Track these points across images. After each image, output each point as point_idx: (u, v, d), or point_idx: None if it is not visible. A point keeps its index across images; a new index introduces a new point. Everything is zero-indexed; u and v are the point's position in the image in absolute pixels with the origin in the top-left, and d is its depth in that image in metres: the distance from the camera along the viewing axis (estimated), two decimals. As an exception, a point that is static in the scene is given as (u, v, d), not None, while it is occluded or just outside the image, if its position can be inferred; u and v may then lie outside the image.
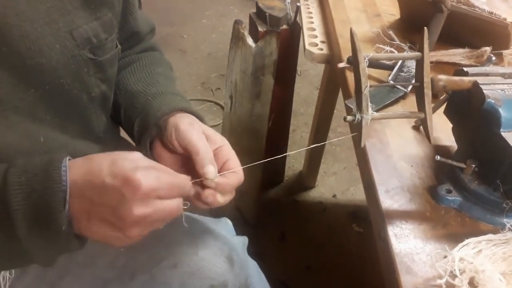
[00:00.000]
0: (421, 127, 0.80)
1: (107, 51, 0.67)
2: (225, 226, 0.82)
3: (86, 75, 0.65)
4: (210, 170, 0.59)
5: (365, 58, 0.60)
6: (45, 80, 0.60)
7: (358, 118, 0.61)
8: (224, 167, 0.63)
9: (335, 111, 1.60)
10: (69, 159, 0.53)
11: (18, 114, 0.59)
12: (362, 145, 0.62)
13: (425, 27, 0.64)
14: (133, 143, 0.75)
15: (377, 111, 0.63)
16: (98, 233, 0.52)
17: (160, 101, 0.70)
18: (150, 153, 0.69)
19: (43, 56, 0.58)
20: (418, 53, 0.64)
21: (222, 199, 0.62)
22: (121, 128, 0.82)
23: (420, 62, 0.64)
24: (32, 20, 0.56)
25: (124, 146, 0.79)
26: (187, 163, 0.65)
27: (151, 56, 0.83)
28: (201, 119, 0.68)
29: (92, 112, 0.70)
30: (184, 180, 0.56)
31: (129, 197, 0.49)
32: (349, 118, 0.61)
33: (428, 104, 0.62)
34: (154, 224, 0.53)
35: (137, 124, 0.70)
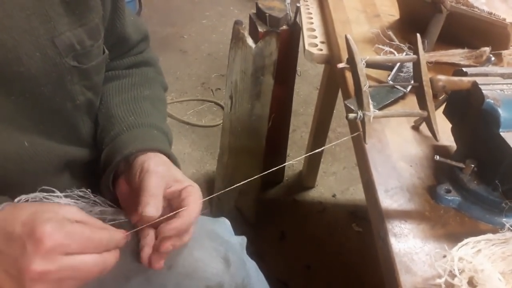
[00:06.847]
0: (421, 127, 0.80)
1: (93, 58, 0.66)
2: (222, 226, 0.81)
3: (69, 83, 0.64)
4: (148, 210, 0.58)
5: (362, 60, 0.61)
6: (25, 88, 0.59)
7: (360, 116, 0.60)
8: (182, 204, 0.61)
9: (334, 111, 1.60)
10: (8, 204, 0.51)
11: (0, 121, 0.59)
12: (367, 142, 0.62)
13: (417, 33, 0.65)
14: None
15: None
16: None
17: (132, 136, 0.69)
18: (111, 187, 0.68)
19: (21, 65, 0.57)
20: (414, 56, 0.64)
21: (181, 242, 0.61)
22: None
23: (416, 65, 0.64)
24: (10, 28, 0.56)
25: None
26: None
27: (143, 74, 0.81)
28: (173, 160, 0.68)
29: (78, 120, 0.69)
30: (110, 236, 0.53)
31: (30, 250, 0.46)
32: (351, 116, 0.61)
33: (430, 102, 0.62)
34: (64, 282, 0.49)
35: (104, 154, 0.70)
